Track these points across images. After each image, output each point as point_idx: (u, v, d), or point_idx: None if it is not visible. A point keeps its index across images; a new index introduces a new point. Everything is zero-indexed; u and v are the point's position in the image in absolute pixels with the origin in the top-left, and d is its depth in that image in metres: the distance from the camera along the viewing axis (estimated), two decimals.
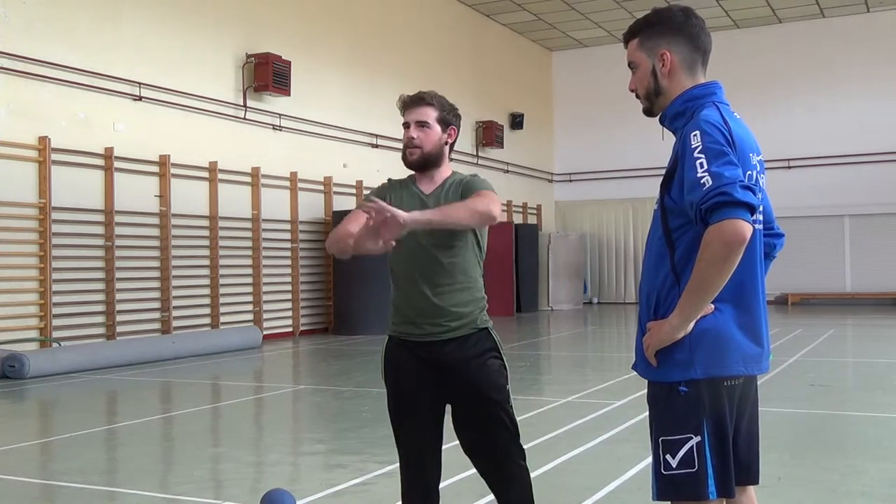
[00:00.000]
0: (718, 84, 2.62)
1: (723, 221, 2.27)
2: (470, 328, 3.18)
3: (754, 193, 2.33)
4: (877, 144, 21.74)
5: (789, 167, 21.63)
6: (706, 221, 2.31)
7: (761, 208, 2.53)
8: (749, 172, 2.47)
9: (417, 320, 3.17)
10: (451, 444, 5.95)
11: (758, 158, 2.57)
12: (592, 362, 11.85)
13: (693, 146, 2.38)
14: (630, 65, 2.69)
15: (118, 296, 11.76)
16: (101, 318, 11.65)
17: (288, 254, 15.00)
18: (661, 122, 2.67)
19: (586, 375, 10.04)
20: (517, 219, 22.65)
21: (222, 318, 13.40)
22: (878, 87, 21.83)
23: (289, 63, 14.44)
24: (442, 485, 4.83)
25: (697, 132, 2.40)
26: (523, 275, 20.93)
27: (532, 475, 5.08)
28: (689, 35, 2.60)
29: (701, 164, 2.35)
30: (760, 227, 2.57)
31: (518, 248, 20.56)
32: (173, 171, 12.66)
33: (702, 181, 2.32)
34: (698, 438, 2.42)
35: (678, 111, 2.59)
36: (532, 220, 23.71)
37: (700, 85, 2.60)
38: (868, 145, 21.80)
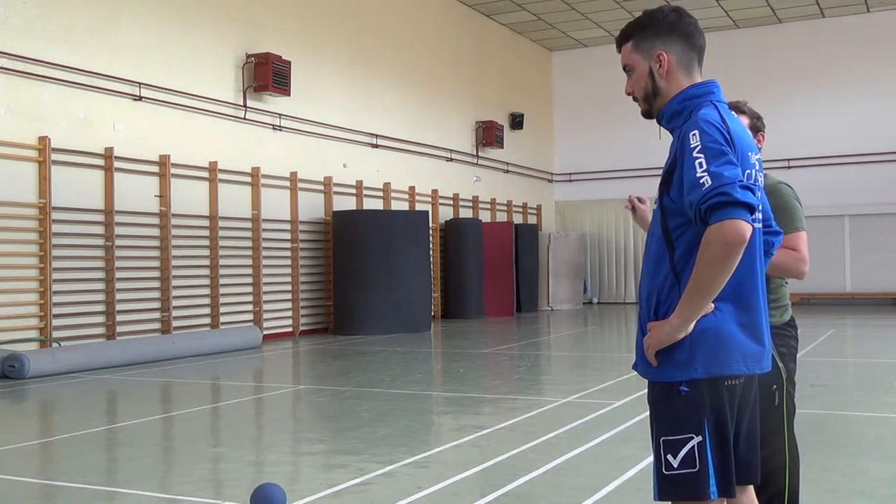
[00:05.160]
0: (716, 83, 2.61)
1: (723, 221, 2.27)
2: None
3: (754, 193, 2.33)
4: (877, 144, 21.75)
5: (789, 167, 21.62)
6: (706, 221, 2.31)
7: (760, 206, 2.52)
8: (748, 171, 2.47)
9: None
10: (454, 443, 5.97)
11: (756, 157, 2.58)
12: (592, 362, 11.84)
13: (692, 146, 2.38)
14: (625, 68, 2.67)
15: (118, 296, 11.76)
16: (101, 318, 11.64)
17: (288, 254, 15.00)
18: (659, 121, 2.66)
19: (586, 375, 10.04)
20: (517, 219, 22.64)
21: (222, 318, 13.40)
22: (878, 87, 21.83)
23: (289, 63, 14.44)
24: (442, 484, 4.85)
25: (696, 132, 2.40)
26: (523, 275, 20.93)
27: (532, 475, 5.11)
28: (684, 34, 2.59)
29: (700, 163, 2.34)
30: (759, 225, 2.57)
31: (518, 248, 20.56)
32: (173, 171, 12.66)
33: (701, 181, 2.31)
34: (699, 438, 2.42)
35: (675, 110, 2.58)
36: (532, 220, 23.71)
37: (697, 84, 2.59)
38: (868, 145, 21.81)
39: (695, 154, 2.36)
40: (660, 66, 2.58)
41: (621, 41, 2.67)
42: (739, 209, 2.27)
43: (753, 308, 2.49)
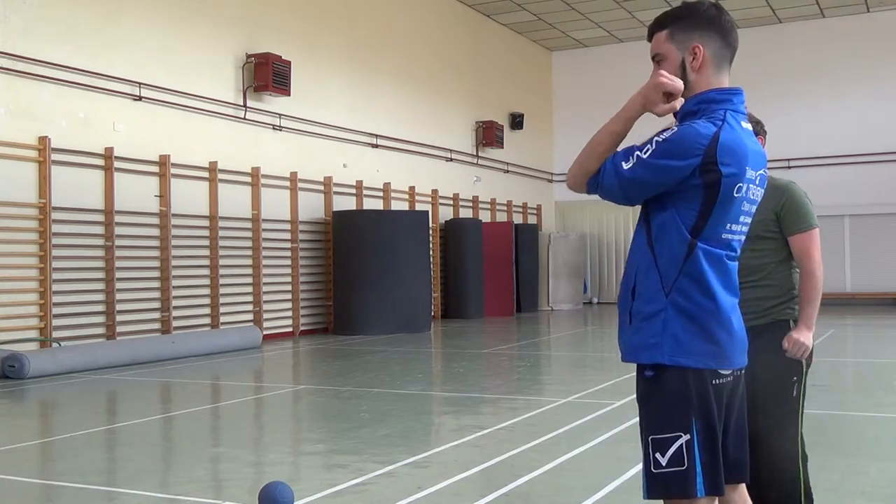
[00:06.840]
0: (739, 91, 2.56)
1: (594, 176, 2.53)
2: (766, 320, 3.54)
3: (617, 185, 2.46)
4: (877, 144, 21.74)
5: (789, 167, 21.61)
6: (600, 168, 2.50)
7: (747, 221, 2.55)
8: (739, 185, 2.44)
9: None
10: (454, 443, 5.97)
11: (758, 173, 2.53)
12: (592, 362, 11.85)
13: (660, 138, 2.42)
14: (655, 57, 2.60)
15: (118, 296, 11.75)
16: (101, 318, 11.64)
17: (288, 254, 15.00)
18: (675, 115, 2.64)
19: (586, 375, 10.04)
20: (517, 219, 22.64)
21: (222, 318, 13.40)
22: (878, 87, 21.82)
23: (289, 63, 14.44)
24: (442, 485, 4.85)
25: (675, 133, 2.41)
26: (523, 275, 20.93)
27: (532, 475, 5.11)
28: (722, 31, 2.55)
29: (647, 150, 2.41)
30: (746, 228, 2.56)
31: (518, 248, 20.56)
32: (173, 171, 12.66)
33: (630, 152, 2.44)
34: (687, 437, 2.42)
35: (691, 110, 2.53)
36: (532, 220, 23.71)
37: (719, 89, 2.54)
38: (868, 145, 21.80)
39: (653, 143, 2.43)
40: (693, 58, 2.52)
41: (655, 29, 2.60)
42: (599, 179, 2.49)
43: (727, 306, 2.48)
